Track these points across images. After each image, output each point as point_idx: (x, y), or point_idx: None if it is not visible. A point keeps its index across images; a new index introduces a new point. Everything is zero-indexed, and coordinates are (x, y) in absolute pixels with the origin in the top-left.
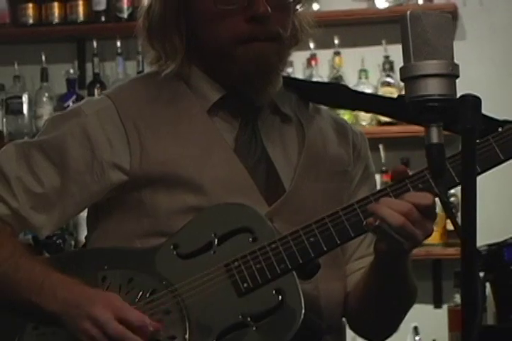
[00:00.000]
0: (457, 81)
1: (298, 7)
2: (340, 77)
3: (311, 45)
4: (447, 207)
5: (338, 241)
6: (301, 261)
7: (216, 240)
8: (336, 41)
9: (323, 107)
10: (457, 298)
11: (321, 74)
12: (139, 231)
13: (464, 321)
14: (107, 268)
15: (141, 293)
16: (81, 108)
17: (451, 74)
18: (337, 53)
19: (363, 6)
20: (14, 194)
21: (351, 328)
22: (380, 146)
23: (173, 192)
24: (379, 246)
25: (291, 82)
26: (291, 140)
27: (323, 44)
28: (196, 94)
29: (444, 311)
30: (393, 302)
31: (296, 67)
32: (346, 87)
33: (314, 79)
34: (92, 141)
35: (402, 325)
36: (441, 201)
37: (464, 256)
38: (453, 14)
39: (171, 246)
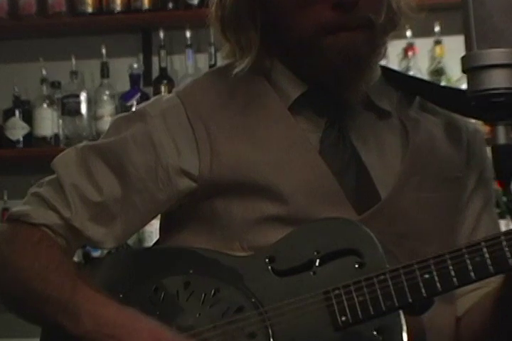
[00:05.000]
0: None
1: None
2: (442, 70)
3: (408, 33)
4: None
5: (456, 283)
6: (410, 300)
7: (318, 260)
8: (437, 28)
9: (432, 104)
10: None
11: (420, 66)
12: (210, 244)
13: None
14: (193, 272)
15: (226, 308)
16: (146, 109)
17: None
18: (438, 42)
19: None
20: (68, 202)
21: None
22: None
23: (249, 201)
24: None
25: (393, 75)
26: (391, 141)
27: (422, 31)
28: (277, 90)
29: None
30: None
31: (391, 58)
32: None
33: (411, 72)
34: (156, 144)
35: None
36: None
37: None
38: None
39: (266, 259)
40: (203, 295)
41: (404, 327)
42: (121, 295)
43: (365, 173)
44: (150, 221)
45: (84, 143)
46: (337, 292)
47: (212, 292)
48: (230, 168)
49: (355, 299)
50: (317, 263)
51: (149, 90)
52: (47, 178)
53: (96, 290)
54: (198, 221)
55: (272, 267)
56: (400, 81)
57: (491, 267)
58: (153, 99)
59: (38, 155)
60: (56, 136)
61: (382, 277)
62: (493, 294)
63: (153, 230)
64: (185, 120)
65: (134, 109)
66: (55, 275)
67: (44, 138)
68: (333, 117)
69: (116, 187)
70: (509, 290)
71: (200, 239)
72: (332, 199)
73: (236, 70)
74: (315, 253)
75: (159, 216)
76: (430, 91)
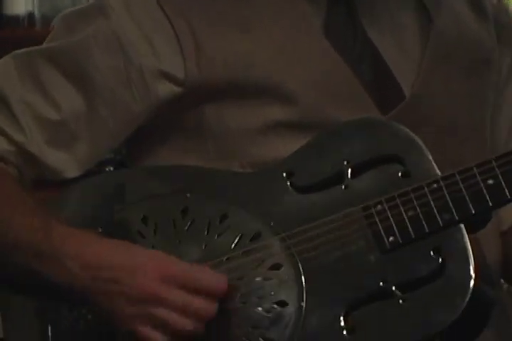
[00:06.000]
0: None
1: None
2: None
3: None
4: None
5: None
6: (473, 211)
7: (350, 170)
8: None
9: None
10: None
11: None
12: (202, 164)
13: None
14: (191, 195)
15: (238, 237)
16: None
17: None
18: None
19: None
20: (18, 124)
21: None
22: None
23: (248, 105)
24: None
25: None
26: (407, 22)
27: None
28: None
29: None
30: None
31: None
32: None
33: None
34: (125, 43)
35: None
36: None
37: None
38: None
39: (284, 174)
40: (208, 222)
41: (468, 244)
42: (100, 230)
43: (381, 63)
44: (122, 140)
45: (26, 49)
46: (379, 207)
47: (219, 218)
48: (222, 65)
49: (404, 214)
50: (349, 175)
51: None
52: None
53: (71, 226)
54: (184, 136)
55: (291, 182)
56: None
57: None
58: None
59: (8, 39)
60: (31, 14)
61: (435, 186)
62: None
63: None
64: (158, 9)
65: None
66: (18, 215)
67: (16, 18)
68: None
69: (78, 100)
70: None
71: (188, 159)
72: (350, 96)
73: None
74: (344, 163)
75: None
76: None
